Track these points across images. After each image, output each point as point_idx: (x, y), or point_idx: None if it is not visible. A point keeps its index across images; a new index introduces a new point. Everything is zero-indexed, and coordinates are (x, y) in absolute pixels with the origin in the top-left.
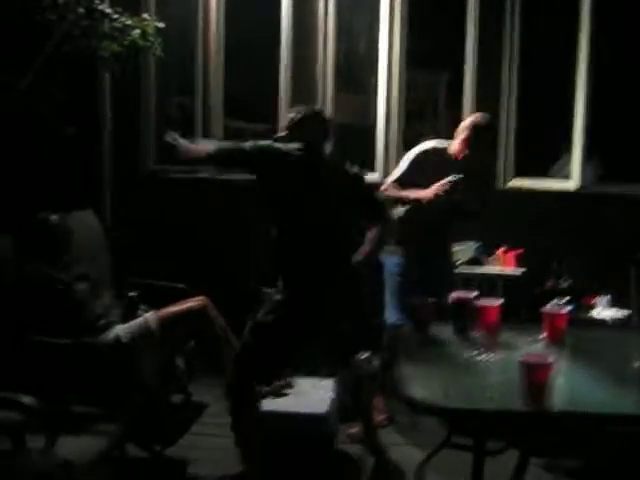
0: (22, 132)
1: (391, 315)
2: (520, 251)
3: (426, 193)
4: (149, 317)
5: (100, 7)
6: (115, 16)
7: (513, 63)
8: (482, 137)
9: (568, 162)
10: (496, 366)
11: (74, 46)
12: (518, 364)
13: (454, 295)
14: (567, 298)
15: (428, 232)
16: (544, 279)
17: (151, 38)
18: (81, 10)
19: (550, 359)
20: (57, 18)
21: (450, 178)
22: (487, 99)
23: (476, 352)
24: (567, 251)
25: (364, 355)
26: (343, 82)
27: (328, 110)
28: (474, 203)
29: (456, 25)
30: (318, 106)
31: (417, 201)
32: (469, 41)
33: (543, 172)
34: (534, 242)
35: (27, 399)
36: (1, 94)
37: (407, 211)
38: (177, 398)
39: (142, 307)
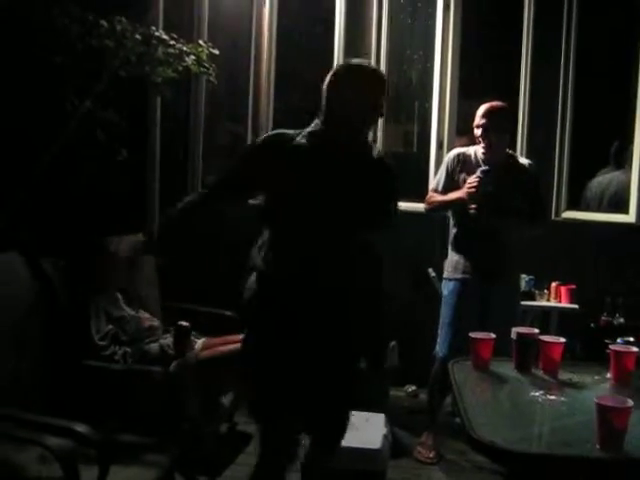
0: (78, 155)
1: (442, 348)
2: (573, 286)
3: (464, 190)
4: (197, 349)
5: (157, 33)
6: (171, 42)
7: (567, 95)
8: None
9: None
10: (565, 407)
11: (129, 71)
12: (595, 406)
13: (517, 330)
14: (631, 338)
15: (487, 250)
16: (597, 315)
17: (206, 64)
18: (138, 36)
19: (630, 402)
20: (114, 44)
21: (477, 173)
22: (540, 130)
23: (541, 391)
24: (622, 286)
25: (410, 388)
26: (394, 111)
27: (379, 139)
28: (522, 201)
29: (511, 56)
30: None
31: (461, 200)
32: (523, 72)
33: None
34: (587, 276)
35: (81, 427)
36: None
37: (460, 222)
38: (223, 428)
39: (193, 333)
